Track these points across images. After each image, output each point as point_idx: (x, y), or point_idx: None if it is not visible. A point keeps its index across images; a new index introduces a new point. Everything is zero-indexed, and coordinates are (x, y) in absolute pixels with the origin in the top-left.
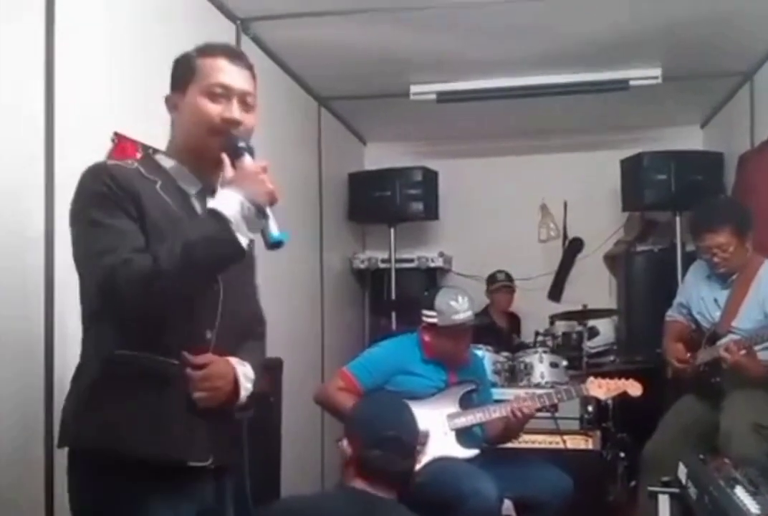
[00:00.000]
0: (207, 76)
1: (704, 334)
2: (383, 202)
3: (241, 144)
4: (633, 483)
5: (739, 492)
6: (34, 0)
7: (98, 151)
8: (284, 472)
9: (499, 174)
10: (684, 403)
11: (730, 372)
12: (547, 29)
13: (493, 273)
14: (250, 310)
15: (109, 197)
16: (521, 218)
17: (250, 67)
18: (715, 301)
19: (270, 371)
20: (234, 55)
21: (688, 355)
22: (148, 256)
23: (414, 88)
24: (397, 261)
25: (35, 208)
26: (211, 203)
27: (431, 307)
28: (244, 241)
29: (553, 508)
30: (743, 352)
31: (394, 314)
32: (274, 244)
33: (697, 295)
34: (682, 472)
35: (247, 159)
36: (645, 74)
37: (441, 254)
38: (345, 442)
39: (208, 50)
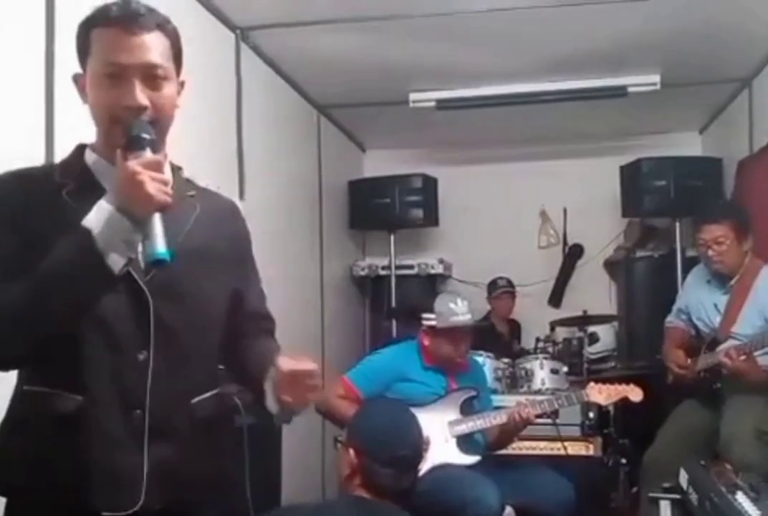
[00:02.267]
0: (99, 53)
1: (704, 340)
2: (383, 209)
3: (139, 134)
4: (634, 489)
5: (740, 498)
6: (34, 5)
7: None
8: (285, 480)
9: (498, 180)
10: (684, 408)
11: (731, 377)
12: (546, 37)
13: (494, 279)
14: (207, 320)
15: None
16: (521, 225)
17: (158, 28)
18: (715, 306)
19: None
20: (130, 20)
21: (689, 361)
22: (12, 287)
23: (413, 96)
24: (398, 268)
25: None
26: (85, 218)
27: (430, 311)
28: (115, 262)
29: (554, 515)
30: (743, 357)
31: (394, 321)
32: (153, 262)
33: (697, 301)
34: (683, 478)
35: (145, 154)
36: (643, 81)
37: (441, 261)
38: (352, 453)
39: (99, 18)
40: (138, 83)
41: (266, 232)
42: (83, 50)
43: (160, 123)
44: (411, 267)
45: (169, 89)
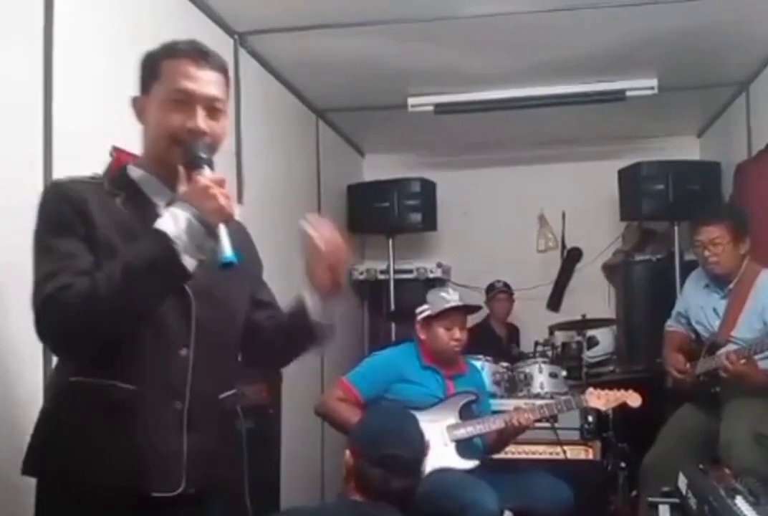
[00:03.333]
0: (169, 80)
1: (704, 344)
2: (382, 213)
3: (200, 154)
4: (634, 493)
5: (740, 502)
6: (32, 15)
7: (97, 167)
8: (284, 483)
9: (497, 184)
10: (684, 412)
11: (730, 381)
12: (544, 41)
13: (491, 282)
14: (234, 324)
15: (57, 217)
16: (519, 228)
17: (220, 69)
18: (714, 310)
19: (269, 383)
20: (200, 56)
21: (688, 365)
22: (87, 279)
23: (412, 100)
24: (396, 272)
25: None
26: (157, 222)
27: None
28: (190, 263)
29: None
30: (743, 361)
31: (393, 325)
32: (223, 265)
33: (696, 305)
34: (682, 482)
35: (205, 172)
36: (641, 85)
37: (439, 265)
38: (347, 454)
39: (173, 51)
40: (200, 111)
41: (264, 236)
42: (150, 76)
43: (213, 149)
44: (410, 271)
45: (224, 122)
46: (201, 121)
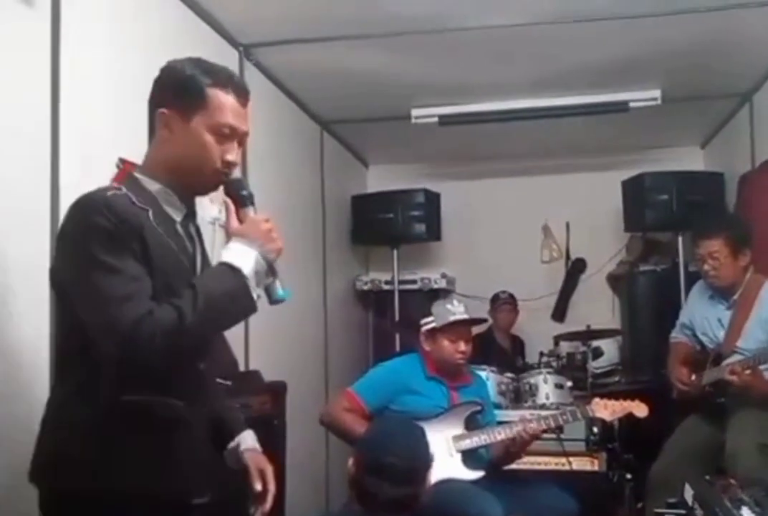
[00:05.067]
0: (218, 112)
1: (709, 355)
2: (386, 224)
3: (245, 192)
4: (640, 505)
5: (746, 513)
6: (39, 25)
7: (104, 178)
8: (289, 494)
9: (501, 195)
10: (689, 423)
11: (736, 392)
12: (548, 53)
13: (496, 293)
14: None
15: (114, 235)
16: (524, 239)
17: (248, 103)
18: (719, 321)
19: (274, 394)
20: (244, 94)
21: (693, 376)
22: (170, 308)
23: (415, 112)
24: (400, 282)
25: (41, 235)
26: (227, 255)
27: (429, 316)
28: (255, 298)
29: None
30: (748, 372)
31: (397, 335)
32: (276, 301)
33: (701, 316)
34: (688, 493)
35: (250, 210)
36: (645, 96)
37: (444, 275)
38: (350, 462)
39: (221, 82)
40: (236, 145)
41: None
42: (194, 101)
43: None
44: (414, 282)
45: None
46: (236, 155)
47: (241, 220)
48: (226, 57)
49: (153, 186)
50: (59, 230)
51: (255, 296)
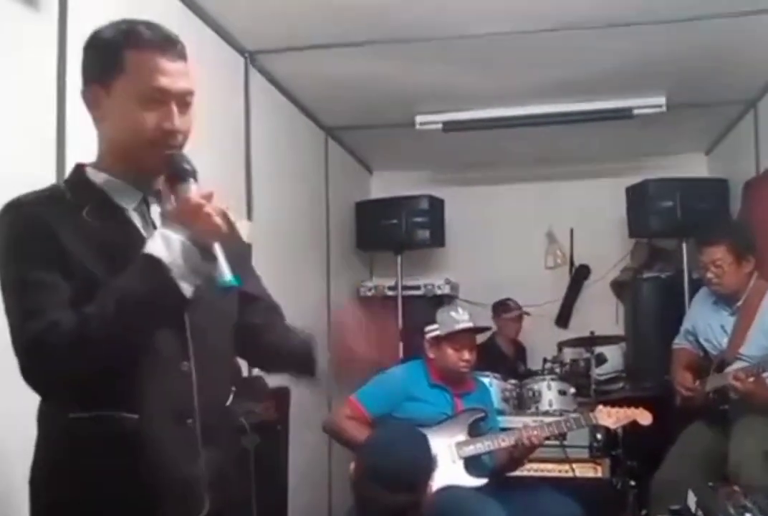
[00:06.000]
0: (139, 76)
1: (712, 361)
2: (390, 230)
3: (185, 166)
4: (644, 512)
5: None
6: (46, 29)
7: None
8: (292, 500)
9: (504, 202)
10: (693, 430)
11: (740, 399)
12: (552, 59)
13: (502, 300)
14: (227, 327)
15: (22, 246)
16: (528, 245)
17: (185, 56)
18: (722, 327)
19: (277, 400)
20: (170, 47)
21: (697, 382)
22: (74, 316)
23: (420, 118)
24: (404, 288)
25: None
26: (147, 246)
27: (433, 322)
28: (187, 289)
29: None
30: (752, 379)
31: (401, 342)
32: (223, 290)
33: (704, 322)
34: (691, 500)
35: (190, 187)
36: (649, 103)
37: (447, 281)
38: (352, 467)
39: (137, 40)
40: (175, 108)
41: (273, 252)
42: (111, 68)
43: (183, 147)
44: (418, 287)
45: (191, 115)
46: (177, 120)
47: (180, 202)
48: (231, 63)
49: (98, 177)
50: None
51: (186, 287)
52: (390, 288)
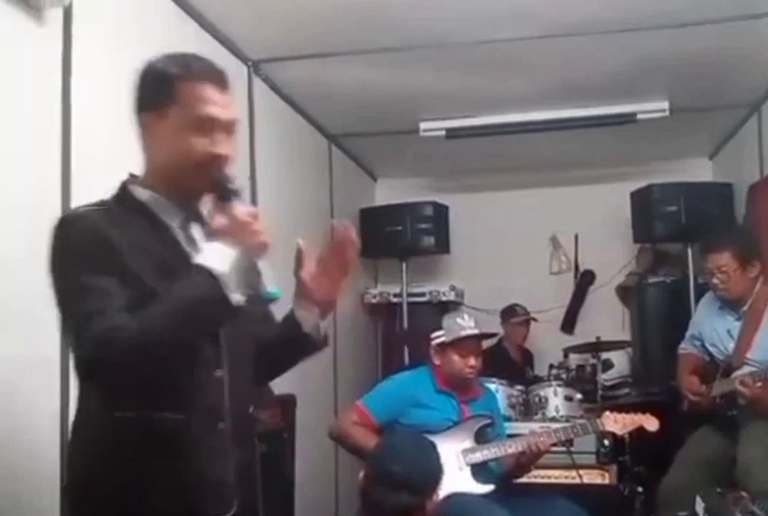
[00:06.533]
0: (192, 105)
1: (718, 366)
2: (394, 236)
3: (231, 186)
4: None
5: None
6: (50, 42)
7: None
8: (298, 507)
9: (509, 207)
10: (700, 436)
11: (746, 404)
12: (554, 65)
13: (510, 305)
14: (250, 339)
15: (83, 252)
16: (532, 251)
17: (231, 88)
18: (729, 332)
19: (283, 407)
20: (220, 79)
21: (703, 387)
22: (134, 320)
23: (423, 125)
24: (409, 295)
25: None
26: (201, 257)
27: (439, 329)
28: (236, 300)
29: None
30: (759, 384)
31: (406, 348)
32: (267, 301)
33: (710, 327)
34: (699, 506)
35: (236, 205)
36: (652, 107)
37: (452, 288)
38: (361, 475)
39: (191, 72)
40: (222, 135)
41: (278, 259)
42: (165, 97)
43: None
44: (422, 294)
45: (236, 142)
46: (224, 147)
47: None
48: (234, 72)
49: (144, 195)
50: None
51: (235, 298)
52: (395, 295)
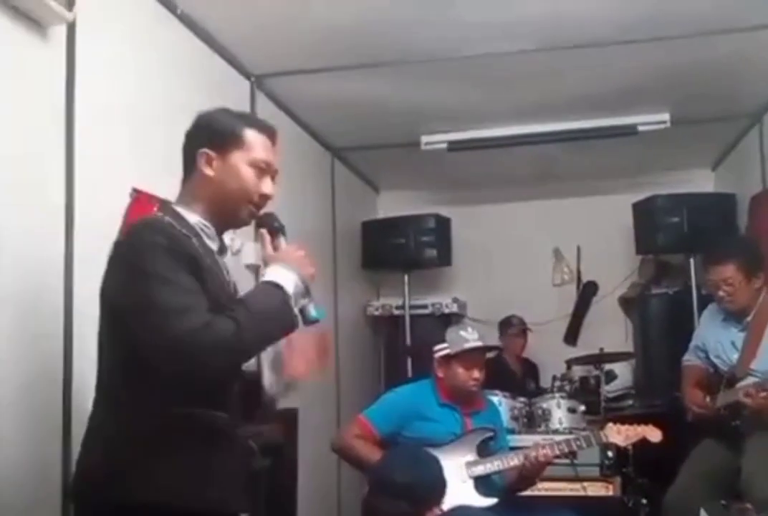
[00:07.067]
0: (255, 149)
1: (722, 377)
2: (397, 249)
3: (277, 224)
4: None
5: None
6: (54, 58)
7: (117, 207)
8: None
9: (511, 219)
10: (705, 447)
11: (752, 415)
12: (556, 77)
13: (506, 318)
14: None
15: (171, 252)
16: (535, 263)
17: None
18: (733, 344)
19: (285, 421)
20: (275, 136)
21: (707, 399)
22: (228, 320)
23: (425, 138)
24: (412, 307)
25: (55, 263)
26: (270, 276)
27: (442, 341)
28: (296, 316)
29: None
30: (763, 394)
31: (409, 361)
32: (310, 321)
33: (714, 339)
34: None
35: (283, 240)
36: (653, 119)
37: (455, 300)
38: (365, 491)
39: (256, 125)
40: (270, 179)
41: None
42: (231, 140)
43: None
44: (425, 306)
45: (277, 188)
46: (272, 187)
47: (275, 249)
48: (238, 87)
49: (192, 218)
50: (112, 250)
51: (295, 312)
52: (397, 307)
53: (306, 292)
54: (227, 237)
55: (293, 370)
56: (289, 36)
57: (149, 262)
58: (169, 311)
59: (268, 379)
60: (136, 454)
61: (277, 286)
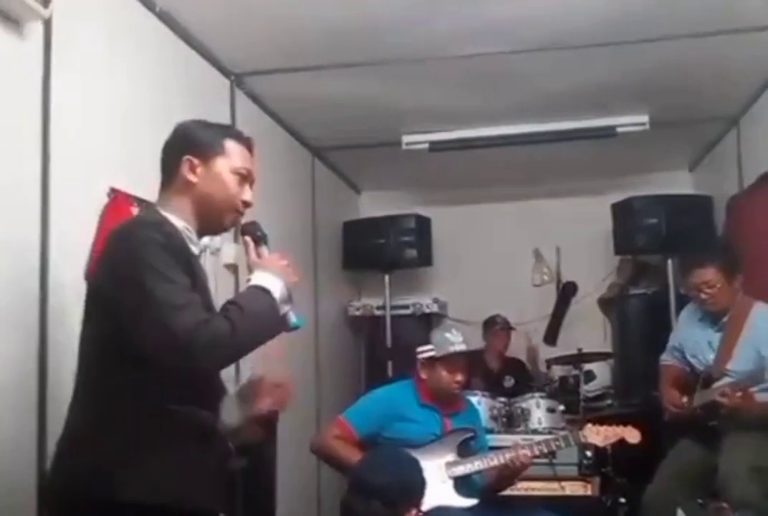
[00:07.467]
0: (237, 158)
1: (699, 377)
2: (377, 249)
3: (259, 233)
4: None
5: None
6: (31, 52)
7: (94, 207)
8: None
9: (491, 220)
10: (682, 446)
11: (727, 414)
12: (536, 79)
13: (491, 316)
14: None
15: (167, 249)
16: (515, 263)
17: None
18: (709, 344)
19: (264, 421)
20: (252, 146)
21: (684, 399)
22: (223, 319)
23: (406, 138)
24: (392, 308)
25: (30, 261)
26: (258, 281)
27: (427, 343)
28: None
29: None
30: (739, 394)
31: (390, 361)
32: (292, 328)
33: (691, 339)
34: None
35: (265, 249)
36: (632, 121)
37: (435, 300)
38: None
39: (235, 135)
40: (249, 187)
41: None
42: (215, 148)
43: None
44: (406, 307)
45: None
46: (251, 195)
47: (258, 257)
48: (217, 86)
49: (178, 223)
50: (105, 247)
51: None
52: (378, 307)
53: (289, 298)
54: (206, 237)
55: (262, 402)
56: (270, 35)
57: (147, 258)
58: (168, 307)
59: (229, 410)
60: (120, 452)
61: (265, 290)
